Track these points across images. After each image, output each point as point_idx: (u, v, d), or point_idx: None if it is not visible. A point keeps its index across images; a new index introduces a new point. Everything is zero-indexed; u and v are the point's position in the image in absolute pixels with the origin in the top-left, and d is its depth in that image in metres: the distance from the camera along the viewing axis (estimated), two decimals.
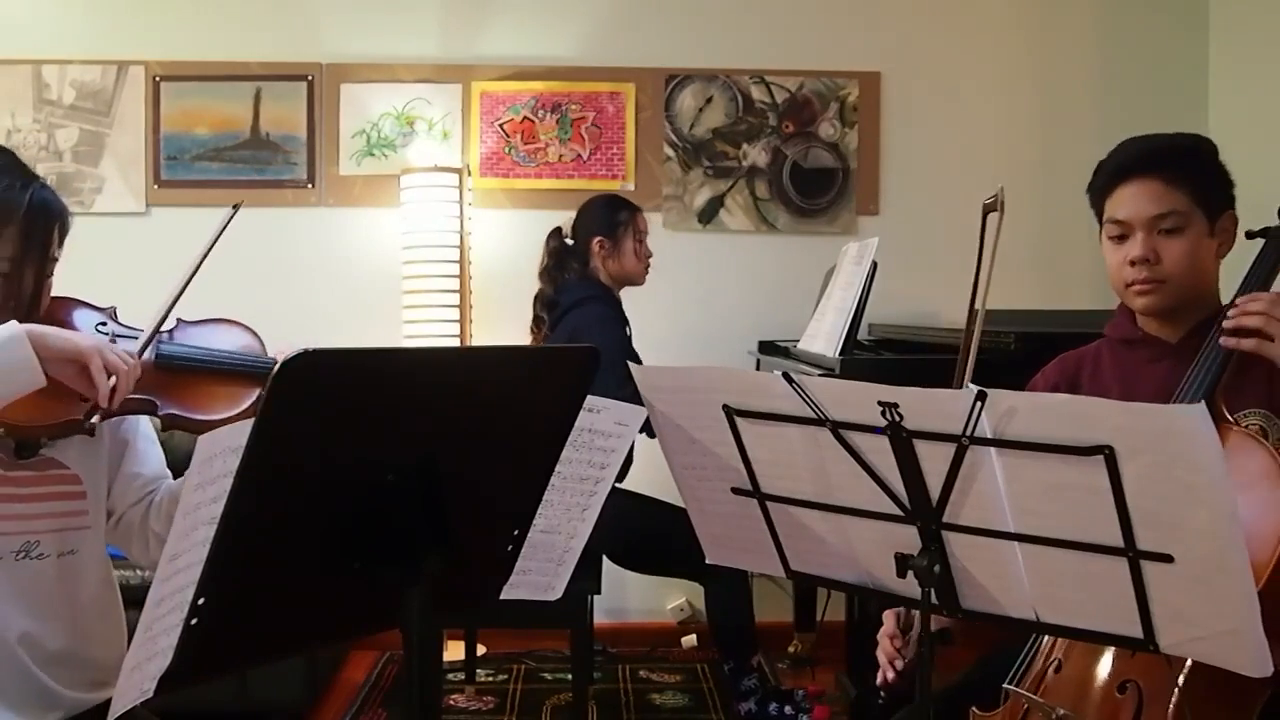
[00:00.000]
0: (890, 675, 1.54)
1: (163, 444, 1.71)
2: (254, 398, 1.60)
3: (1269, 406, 1.49)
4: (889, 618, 1.58)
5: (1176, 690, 1.31)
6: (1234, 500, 1.02)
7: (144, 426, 1.67)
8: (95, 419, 1.45)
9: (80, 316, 1.59)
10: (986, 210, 1.69)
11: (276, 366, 0.96)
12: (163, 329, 1.60)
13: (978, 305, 1.70)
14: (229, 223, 1.60)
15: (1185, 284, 1.59)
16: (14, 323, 1.38)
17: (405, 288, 3.54)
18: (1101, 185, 1.65)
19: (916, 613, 1.50)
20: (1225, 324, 1.46)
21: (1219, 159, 1.64)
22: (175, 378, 1.57)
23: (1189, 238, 1.58)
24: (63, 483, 1.54)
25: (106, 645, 1.60)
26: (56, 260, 1.54)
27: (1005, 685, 1.49)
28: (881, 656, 1.57)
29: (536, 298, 3.08)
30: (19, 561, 1.50)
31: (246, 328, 1.71)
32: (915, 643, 1.55)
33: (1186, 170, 1.59)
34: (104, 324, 1.59)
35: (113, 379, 1.41)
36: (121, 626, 1.64)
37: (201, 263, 1.57)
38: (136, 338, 1.55)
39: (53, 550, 1.52)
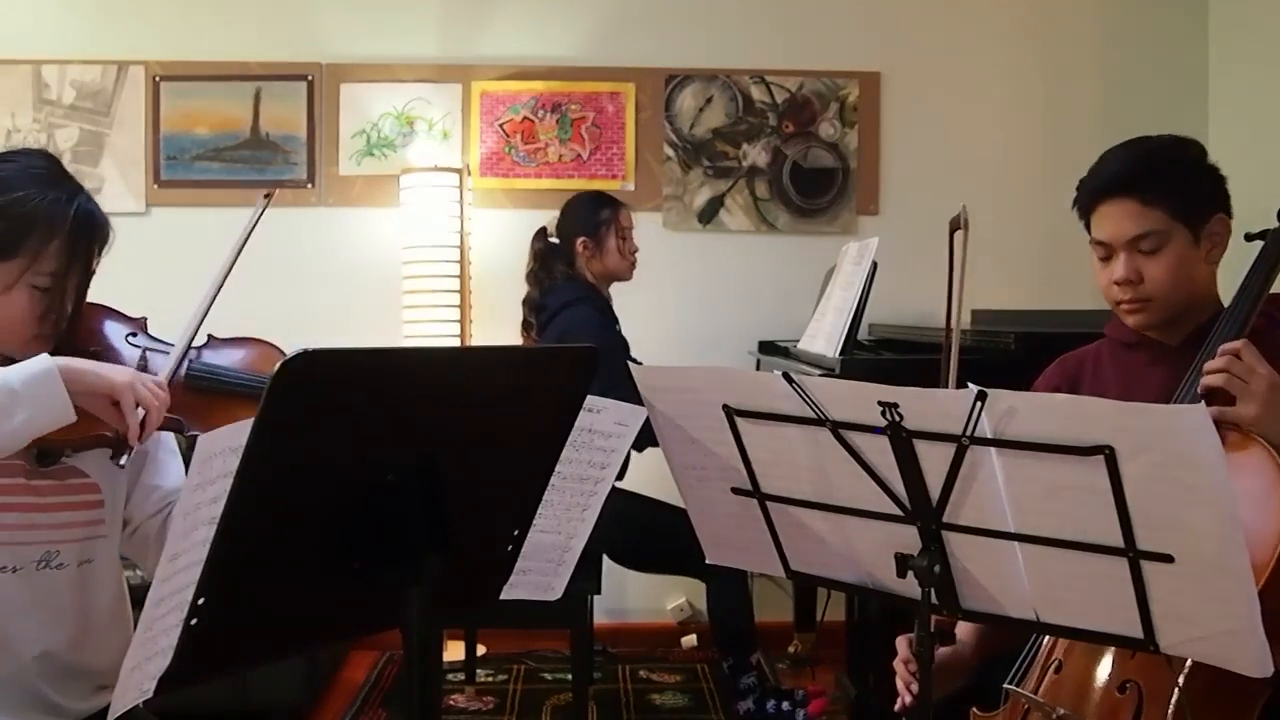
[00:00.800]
0: (909, 700, 1.51)
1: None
2: None
3: None
4: (901, 644, 1.54)
5: (1177, 690, 1.31)
6: (1234, 500, 1.02)
7: (166, 438, 1.64)
8: (124, 457, 1.43)
9: (110, 327, 1.57)
10: (953, 229, 1.68)
11: (276, 366, 0.96)
12: (194, 345, 1.57)
13: (952, 322, 1.68)
14: (261, 215, 1.56)
15: (1172, 299, 1.58)
16: (45, 356, 1.36)
17: (405, 288, 3.53)
18: (1084, 204, 1.64)
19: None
20: (1198, 389, 1.44)
21: (1205, 162, 1.61)
22: (205, 399, 1.54)
23: (1171, 254, 1.56)
24: (83, 491, 1.52)
25: (114, 653, 1.58)
26: (94, 273, 1.52)
27: (1006, 685, 1.49)
28: (899, 683, 1.54)
29: (524, 301, 3.08)
30: (39, 571, 1.49)
31: (275, 347, 1.66)
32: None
33: (1162, 186, 1.56)
34: (134, 335, 1.57)
35: (143, 413, 1.39)
36: (129, 628, 1.63)
37: (232, 267, 1.54)
38: (167, 352, 1.53)
39: (72, 560, 1.51)
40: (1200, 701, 1.30)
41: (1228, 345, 1.42)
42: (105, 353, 1.54)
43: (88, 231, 1.49)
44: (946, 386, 1.67)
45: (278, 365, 0.96)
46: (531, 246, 3.10)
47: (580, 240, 3.01)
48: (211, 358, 1.60)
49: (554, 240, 3.07)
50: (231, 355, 1.62)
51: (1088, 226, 1.66)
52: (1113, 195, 1.58)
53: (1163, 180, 1.57)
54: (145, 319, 1.61)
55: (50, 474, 1.49)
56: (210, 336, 1.62)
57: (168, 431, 1.56)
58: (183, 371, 1.53)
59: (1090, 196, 1.62)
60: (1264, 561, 1.23)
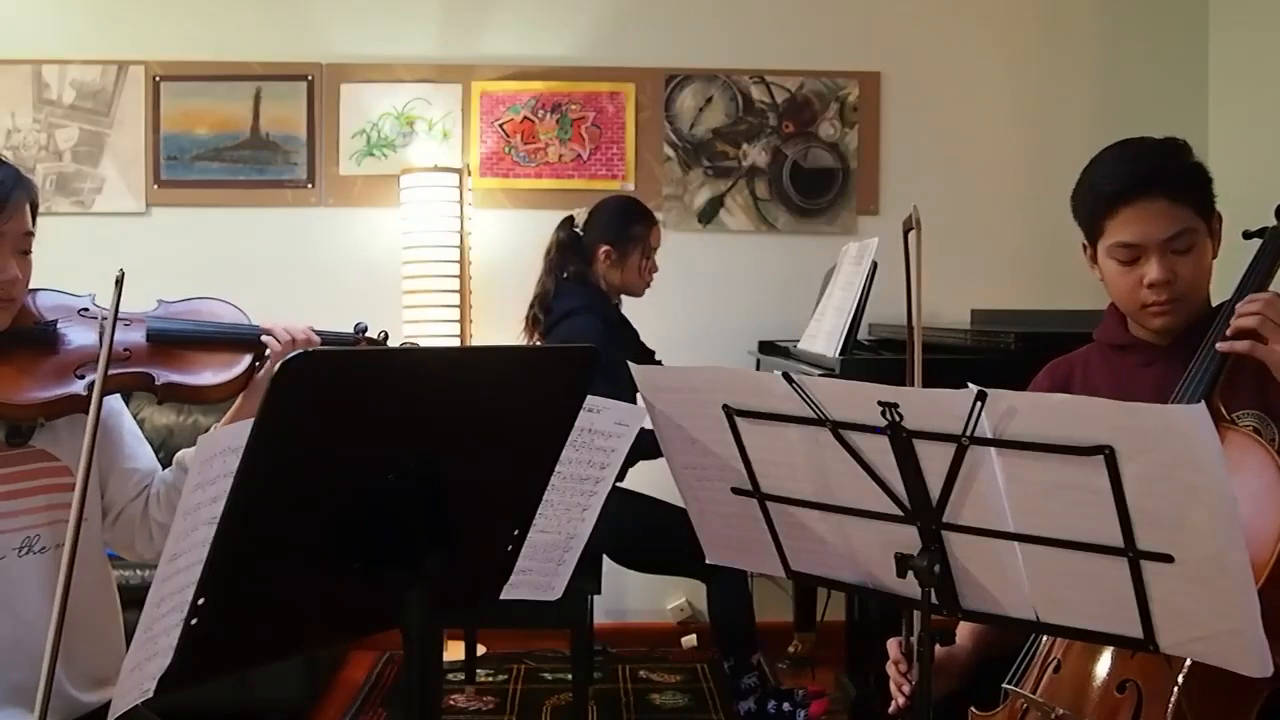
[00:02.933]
0: (901, 701, 1.51)
1: (156, 445, 1.76)
2: (246, 363, 1.66)
3: (1260, 407, 1.48)
4: (893, 646, 1.54)
5: (1175, 689, 1.31)
6: (1234, 500, 1.02)
7: (128, 423, 1.69)
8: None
9: (64, 302, 1.62)
10: (906, 229, 1.68)
11: (277, 367, 0.96)
12: (144, 314, 1.65)
13: (913, 322, 1.67)
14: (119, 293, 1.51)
15: (1198, 298, 1.57)
16: None
17: (405, 288, 3.53)
18: (1098, 209, 1.58)
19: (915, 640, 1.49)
20: (1227, 331, 1.45)
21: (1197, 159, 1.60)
22: (168, 351, 1.63)
23: (1200, 252, 1.55)
24: (54, 475, 1.55)
25: (105, 642, 1.60)
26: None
27: (1004, 685, 1.49)
28: (891, 685, 1.54)
29: (535, 298, 3.04)
30: (23, 557, 1.51)
31: (226, 301, 1.75)
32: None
33: (1185, 183, 1.54)
34: (86, 309, 1.62)
35: None
36: (118, 621, 1.65)
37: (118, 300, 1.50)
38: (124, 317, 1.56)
39: (51, 542, 1.53)
40: (1199, 701, 1.30)
41: (1255, 295, 1.44)
42: (66, 323, 1.59)
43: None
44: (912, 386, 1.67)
45: (278, 366, 0.96)
46: (555, 232, 3.04)
47: (604, 248, 2.95)
48: (165, 313, 1.69)
49: (578, 231, 3.00)
50: (182, 311, 1.71)
51: (1092, 234, 1.61)
52: (1141, 195, 1.53)
53: (1184, 178, 1.55)
54: (93, 295, 1.66)
55: (19, 460, 1.52)
56: (160, 300, 1.71)
57: (138, 390, 1.61)
58: (141, 336, 1.61)
59: (1110, 200, 1.56)
60: (1264, 561, 1.23)
